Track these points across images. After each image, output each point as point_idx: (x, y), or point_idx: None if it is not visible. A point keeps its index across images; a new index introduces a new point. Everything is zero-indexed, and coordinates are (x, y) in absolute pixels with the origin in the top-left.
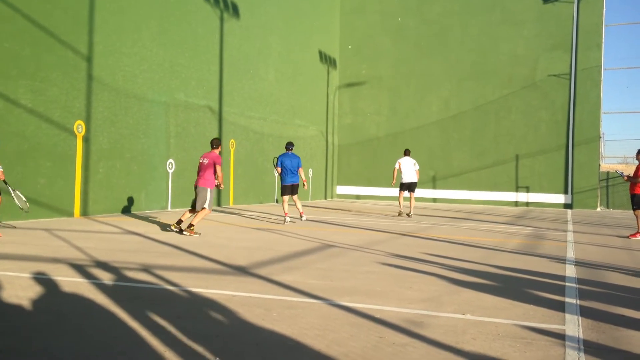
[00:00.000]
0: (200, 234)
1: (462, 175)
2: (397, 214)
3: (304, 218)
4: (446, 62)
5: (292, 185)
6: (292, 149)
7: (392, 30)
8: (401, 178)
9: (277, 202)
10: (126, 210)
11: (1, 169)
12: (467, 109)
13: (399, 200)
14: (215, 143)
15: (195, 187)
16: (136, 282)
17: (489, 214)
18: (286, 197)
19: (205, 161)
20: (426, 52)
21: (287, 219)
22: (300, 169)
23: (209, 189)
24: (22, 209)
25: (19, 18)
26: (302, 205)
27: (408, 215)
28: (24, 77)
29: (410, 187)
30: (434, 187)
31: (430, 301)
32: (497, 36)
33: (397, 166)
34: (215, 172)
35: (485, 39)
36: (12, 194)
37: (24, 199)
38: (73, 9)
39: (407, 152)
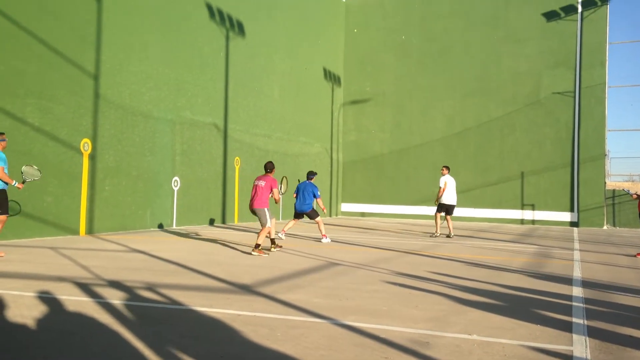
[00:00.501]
0: (268, 254)
1: (466, 192)
2: (432, 234)
3: (324, 240)
4: (450, 79)
5: (301, 212)
6: (311, 178)
7: (395, 48)
8: (444, 199)
9: (279, 219)
10: (131, 228)
11: (17, 184)
12: (471, 125)
13: (435, 221)
14: (269, 167)
15: (252, 209)
16: (141, 301)
17: (494, 231)
18: (293, 220)
19: (262, 184)
20: (430, 69)
21: (282, 235)
22: (316, 198)
23: (266, 209)
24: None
25: (25, 36)
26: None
27: (448, 236)
28: (31, 96)
29: (450, 210)
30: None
31: (436, 321)
32: (500, 53)
33: (442, 185)
34: (272, 194)
35: (489, 56)
36: (29, 179)
37: (31, 169)
38: (80, 27)
39: (448, 169)
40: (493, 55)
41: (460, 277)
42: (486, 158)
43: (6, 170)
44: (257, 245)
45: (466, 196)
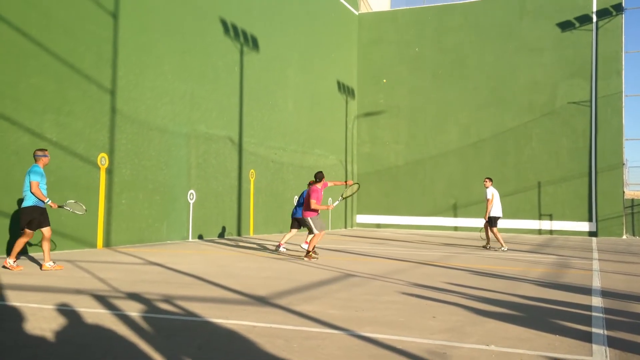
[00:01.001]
0: (317, 257)
1: (483, 203)
2: (484, 246)
3: (303, 246)
4: (464, 90)
5: (298, 219)
6: (310, 182)
7: (409, 60)
8: (493, 211)
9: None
10: (147, 240)
11: (51, 202)
12: (486, 136)
13: (495, 235)
14: (318, 177)
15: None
16: (158, 313)
17: (512, 242)
18: (293, 230)
19: (305, 193)
20: (444, 80)
21: (282, 248)
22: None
23: (309, 218)
24: (79, 212)
25: (44, 54)
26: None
27: (485, 247)
28: (49, 112)
29: (496, 222)
30: (455, 216)
31: (452, 331)
32: (515, 64)
33: (490, 197)
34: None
35: (503, 66)
36: (69, 208)
37: (76, 205)
38: (96, 45)
39: (492, 181)
40: (508, 66)
41: (477, 287)
42: (502, 168)
43: (42, 186)
44: (308, 252)
45: (482, 207)
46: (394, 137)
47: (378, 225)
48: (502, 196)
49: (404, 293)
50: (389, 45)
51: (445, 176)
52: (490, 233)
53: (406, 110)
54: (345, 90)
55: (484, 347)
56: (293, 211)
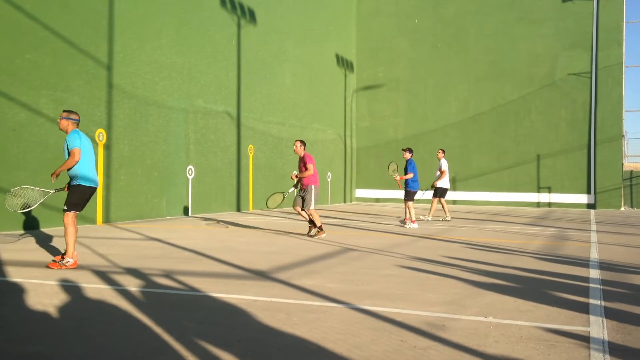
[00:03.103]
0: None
1: (482, 176)
2: (444, 219)
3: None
4: (464, 63)
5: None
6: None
7: (408, 32)
8: (444, 182)
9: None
10: (147, 216)
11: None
12: (486, 109)
13: (442, 206)
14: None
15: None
16: (158, 288)
17: (511, 215)
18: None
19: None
20: (443, 53)
21: (414, 224)
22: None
23: (312, 187)
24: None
25: (39, 29)
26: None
27: (445, 219)
28: (45, 87)
29: (445, 193)
30: (454, 189)
31: (451, 304)
32: (515, 35)
33: (446, 168)
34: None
35: (503, 38)
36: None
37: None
38: (92, 19)
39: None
40: (507, 38)
41: (475, 260)
42: (502, 141)
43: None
44: (319, 228)
45: (482, 180)
46: (393, 110)
47: (377, 200)
48: (501, 169)
49: (403, 267)
50: (388, 17)
51: (445, 150)
52: (436, 203)
53: (405, 84)
54: (344, 63)
55: (482, 318)
56: (414, 185)
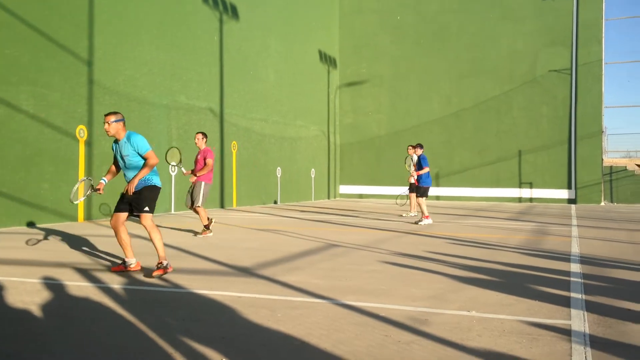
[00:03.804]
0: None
1: (464, 172)
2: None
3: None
4: (446, 60)
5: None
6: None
7: (390, 29)
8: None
9: (275, 202)
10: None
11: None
12: (468, 105)
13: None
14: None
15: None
16: (142, 285)
17: (493, 210)
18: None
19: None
20: (425, 49)
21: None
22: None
23: (203, 183)
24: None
25: (18, 24)
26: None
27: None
28: (25, 83)
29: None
30: (437, 185)
31: (434, 299)
32: (496, 32)
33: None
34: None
35: (484, 35)
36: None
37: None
38: (72, 14)
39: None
40: (489, 35)
41: (458, 255)
42: (484, 137)
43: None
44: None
45: (464, 176)
46: (376, 107)
47: (361, 196)
48: (483, 165)
49: (386, 262)
50: (371, 13)
51: (428, 146)
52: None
53: (388, 80)
54: (327, 60)
55: (465, 313)
56: (427, 181)
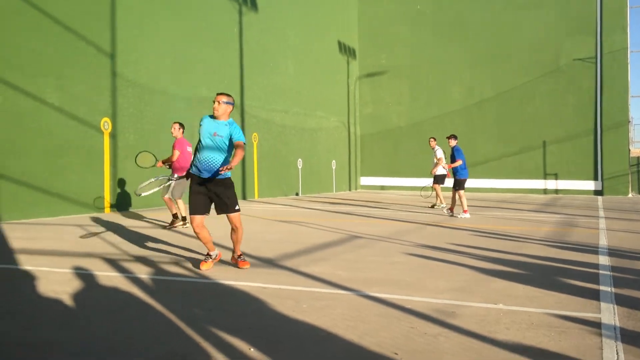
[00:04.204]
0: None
1: (487, 163)
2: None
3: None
4: (467, 49)
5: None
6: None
7: (410, 18)
8: (442, 169)
9: (297, 194)
10: (154, 205)
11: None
12: (490, 95)
13: (439, 192)
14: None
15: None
16: (168, 275)
17: (517, 202)
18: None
19: None
20: (446, 39)
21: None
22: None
23: (176, 176)
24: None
25: (43, 18)
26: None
27: (434, 206)
28: (50, 76)
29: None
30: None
31: (460, 291)
32: (518, 21)
33: (442, 155)
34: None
35: (506, 23)
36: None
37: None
38: (94, 7)
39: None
40: (511, 23)
41: (483, 247)
42: (507, 127)
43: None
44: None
45: (486, 167)
46: (396, 97)
47: (382, 187)
48: (506, 156)
49: (410, 254)
50: (389, 3)
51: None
52: (440, 190)
53: (408, 71)
54: (346, 50)
55: (492, 305)
56: (463, 172)
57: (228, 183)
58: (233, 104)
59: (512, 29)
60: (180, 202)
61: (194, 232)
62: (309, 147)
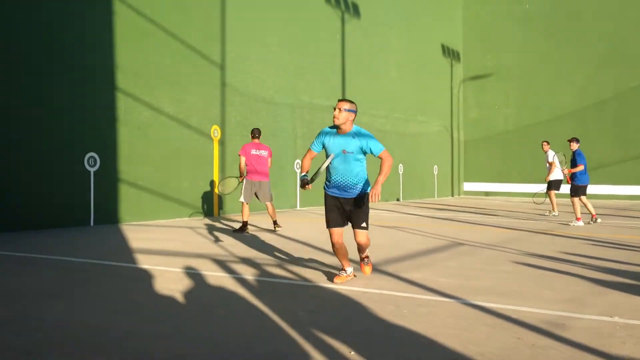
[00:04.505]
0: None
1: (603, 168)
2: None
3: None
4: (580, 49)
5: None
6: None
7: (518, 18)
8: (557, 174)
9: (397, 200)
10: (257, 209)
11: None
12: (607, 97)
13: (553, 199)
14: (253, 133)
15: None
16: (272, 277)
17: (637, 209)
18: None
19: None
20: (557, 38)
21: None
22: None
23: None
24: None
25: (159, 33)
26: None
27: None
28: (166, 87)
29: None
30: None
31: (571, 302)
32: (637, 17)
33: (553, 159)
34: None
35: (624, 20)
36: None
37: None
38: (205, 22)
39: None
40: (629, 19)
41: (597, 257)
42: (626, 130)
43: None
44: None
45: (603, 172)
46: (503, 100)
47: (487, 193)
48: (626, 160)
49: (517, 262)
50: (496, 3)
51: (561, 140)
52: (554, 196)
53: (516, 72)
54: (450, 53)
55: (607, 318)
56: (582, 178)
57: (367, 202)
58: (356, 112)
59: (630, 26)
60: (246, 207)
61: (332, 245)
62: (410, 152)
